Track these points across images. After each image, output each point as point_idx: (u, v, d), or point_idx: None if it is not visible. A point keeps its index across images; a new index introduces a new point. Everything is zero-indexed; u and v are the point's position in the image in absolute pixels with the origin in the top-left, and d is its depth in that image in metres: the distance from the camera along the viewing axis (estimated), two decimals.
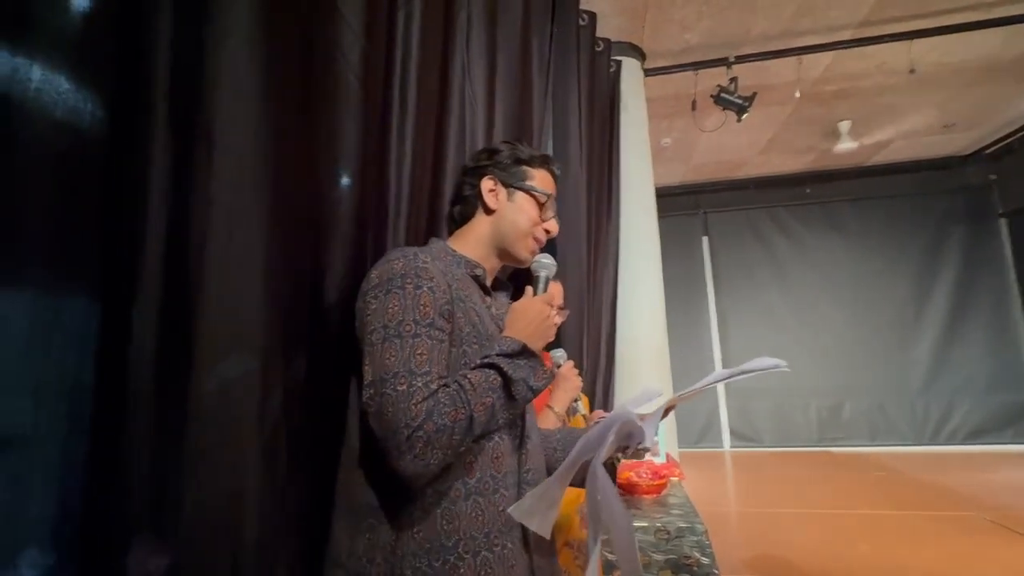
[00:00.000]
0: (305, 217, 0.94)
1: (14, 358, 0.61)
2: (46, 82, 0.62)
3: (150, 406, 0.69)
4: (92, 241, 0.68)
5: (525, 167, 0.94)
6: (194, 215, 0.76)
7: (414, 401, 0.68)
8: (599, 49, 2.91)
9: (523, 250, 0.92)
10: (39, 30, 0.62)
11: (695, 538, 1.68)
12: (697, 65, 3.62)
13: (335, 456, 0.84)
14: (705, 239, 6.36)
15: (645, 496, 2.00)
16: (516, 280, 1.06)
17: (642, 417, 0.76)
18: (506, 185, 0.92)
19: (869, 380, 5.72)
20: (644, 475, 2.04)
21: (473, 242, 0.91)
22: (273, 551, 0.81)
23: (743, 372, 0.72)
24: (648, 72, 3.64)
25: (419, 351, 0.71)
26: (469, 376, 0.73)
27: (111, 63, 0.70)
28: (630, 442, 0.75)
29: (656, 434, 0.71)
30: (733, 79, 3.55)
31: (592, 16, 2.74)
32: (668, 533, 1.71)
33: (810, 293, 5.99)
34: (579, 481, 0.88)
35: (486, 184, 0.92)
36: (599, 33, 2.88)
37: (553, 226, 0.94)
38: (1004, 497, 3.74)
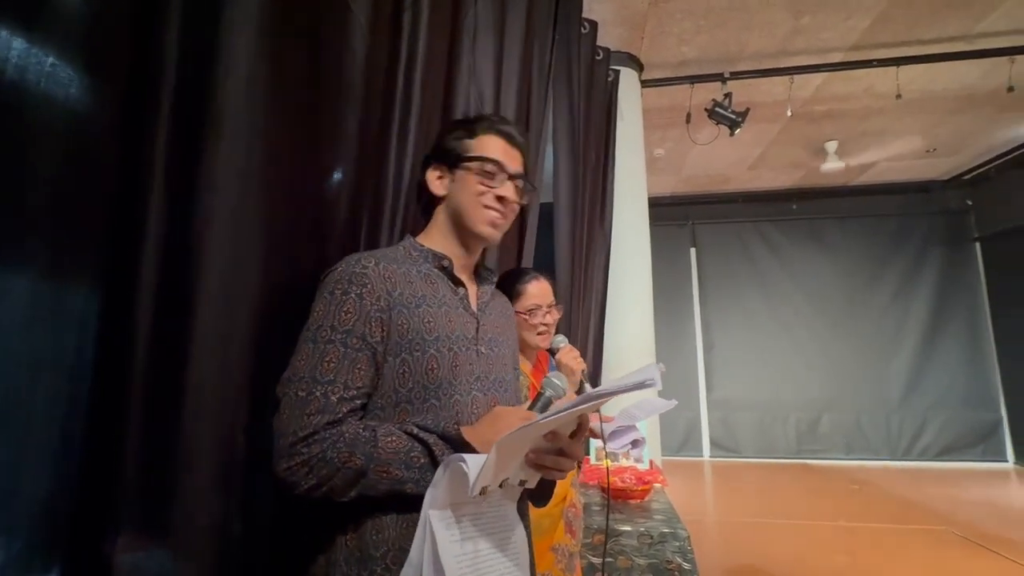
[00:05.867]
0: (305, 212, 0.93)
1: (11, 343, 0.60)
2: (55, 69, 0.61)
3: (145, 398, 0.69)
4: (95, 228, 0.68)
5: (465, 140, 0.87)
6: (199, 205, 0.76)
7: (308, 410, 0.68)
8: (599, 58, 2.94)
9: (478, 223, 0.85)
10: (50, 18, 0.62)
11: (677, 544, 1.70)
12: (693, 79, 3.68)
13: None
14: (693, 250, 6.45)
15: (629, 500, 2.02)
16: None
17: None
18: (450, 168, 0.88)
19: (847, 395, 5.85)
20: (628, 480, 2.06)
21: (437, 233, 0.89)
22: (257, 546, 0.80)
23: (618, 390, 0.64)
24: (645, 83, 3.69)
25: (328, 358, 0.71)
26: (392, 439, 0.69)
27: (121, 50, 0.69)
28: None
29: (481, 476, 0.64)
30: (728, 94, 3.62)
31: (593, 25, 2.77)
32: (651, 538, 1.73)
33: (793, 307, 6.10)
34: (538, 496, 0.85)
35: (432, 175, 0.89)
36: (599, 42, 2.91)
37: (508, 190, 0.85)
38: (973, 513, 3.85)
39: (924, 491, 4.52)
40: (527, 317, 1.30)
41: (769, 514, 3.99)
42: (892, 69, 3.54)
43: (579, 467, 1.64)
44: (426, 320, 0.78)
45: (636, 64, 3.58)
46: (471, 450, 0.69)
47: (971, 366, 5.72)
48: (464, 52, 1.41)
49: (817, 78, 3.79)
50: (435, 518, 0.65)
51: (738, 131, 3.67)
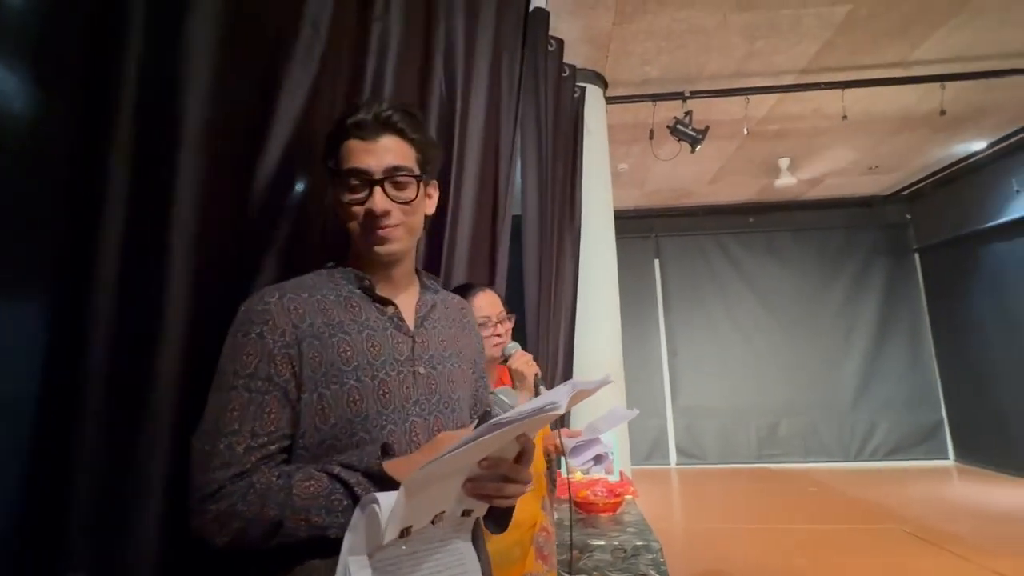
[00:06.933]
0: (269, 226, 0.90)
1: None
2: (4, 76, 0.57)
3: (97, 432, 0.64)
4: (45, 249, 0.63)
5: (334, 158, 0.77)
6: (158, 218, 0.72)
7: (212, 465, 0.64)
8: (565, 75, 3.00)
9: (362, 243, 0.77)
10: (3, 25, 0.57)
11: (651, 556, 1.71)
12: (655, 97, 3.81)
13: None
14: (657, 261, 6.61)
15: (601, 514, 2.02)
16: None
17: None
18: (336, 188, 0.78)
19: (804, 400, 6.10)
20: (600, 493, 2.06)
21: (353, 252, 0.81)
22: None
23: (523, 417, 0.61)
24: (610, 100, 3.79)
25: (232, 406, 0.66)
26: (311, 483, 0.64)
27: (77, 58, 0.65)
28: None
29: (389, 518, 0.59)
30: (688, 112, 3.75)
31: (560, 42, 2.83)
32: (624, 552, 1.73)
33: (752, 316, 6.34)
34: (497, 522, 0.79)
35: (333, 199, 0.81)
36: (565, 59, 2.97)
37: (375, 201, 0.73)
38: (918, 510, 4.06)
39: (875, 490, 4.74)
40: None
41: (733, 519, 4.08)
42: (838, 92, 3.77)
43: (553, 487, 1.63)
44: (342, 349, 0.72)
45: (601, 81, 3.67)
46: (397, 486, 0.62)
47: (914, 370, 6.08)
48: (436, 67, 1.40)
49: (771, 99, 3.99)
50: (355, 565, 0.60)
51: (699, 147, 3.81)
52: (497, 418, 0.60)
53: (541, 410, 0.59)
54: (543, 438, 1.56)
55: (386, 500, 0.58)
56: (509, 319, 1.35)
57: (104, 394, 0.64)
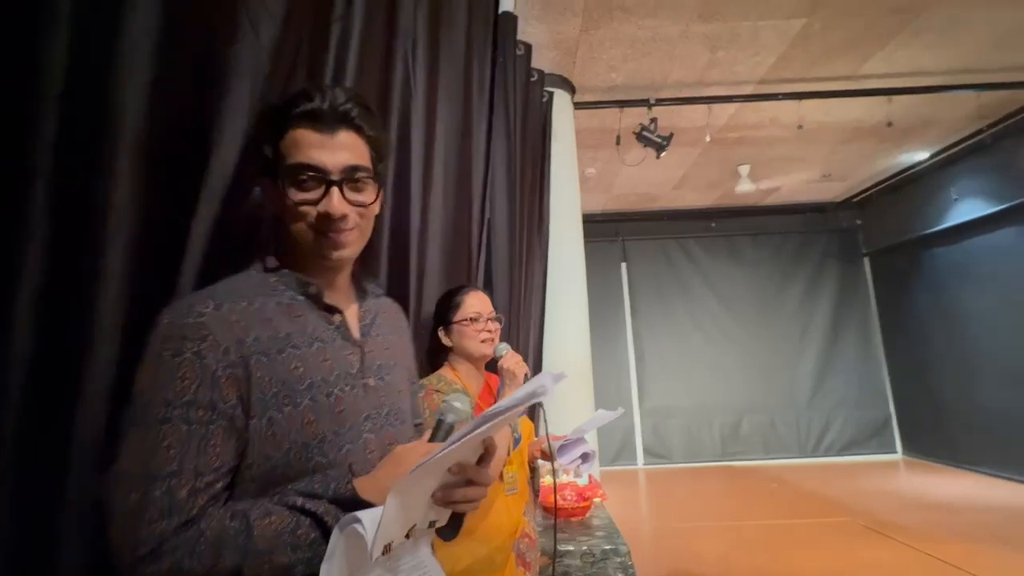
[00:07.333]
0: (215, 229, 0.84)
1: None
2: None
3: (21, 444, 0.58)
4: None
5: (273, 145, 0.68)
6: (90, 220, 0.67)
7: (148, 517, 0.53)
8: (534, 79, 3.01)
9: (313, 247, 0.69)
10: None
11: (619, 559, 1.71)
12: (622, 103, 3.87)
13: None
14: (624, 265, 6.71)
15: (571, 519, 2.01)
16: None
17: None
18: (272, 179, 0.69)
19: (763, 398, 6.31)
20: (569, 497, 2.05)
21: (292, 254, 0.72)
22: None
23: (512, 406, 0.59)
24: (577, 105, 3.82)
25: (166, 443, 0.55)
26: (272, 520, 0.57)
27: None
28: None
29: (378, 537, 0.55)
30: (653, 119, 3.83)
31: (528, 47, 2.83)
32: (593, 556, 1.73)
33: (714, 318, 6.52)
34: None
35: (266, 190, 0.72)
36: (533, 64, 2.98)
37: (332, 204, 0.66)
38: (870, 502, 4.26)
39: (831, 485, 4.94)
40: (467, 325, 1.32)
41: (699, 518, 4.17)
42: (795, 102, 3.92)
43: (536, 495, 1.62)
44: (293, 366, 0.64)
45: (569, 87, 3.70)
46: (370, 507, 0.58)
47: (864, 368, 6.39)
48: (397, 67, 1.37)
49: (731, 107, 4.12)
50: None
51: (663, 153, 3.89)
52: (492, 408, 0.59)
53: (532, 395, 0.59)
54: (529, 444, 1.56)
55: (368, 516, 0.55)
56: (498, 320, 1.38)
57: (22, 412, 0.58)
